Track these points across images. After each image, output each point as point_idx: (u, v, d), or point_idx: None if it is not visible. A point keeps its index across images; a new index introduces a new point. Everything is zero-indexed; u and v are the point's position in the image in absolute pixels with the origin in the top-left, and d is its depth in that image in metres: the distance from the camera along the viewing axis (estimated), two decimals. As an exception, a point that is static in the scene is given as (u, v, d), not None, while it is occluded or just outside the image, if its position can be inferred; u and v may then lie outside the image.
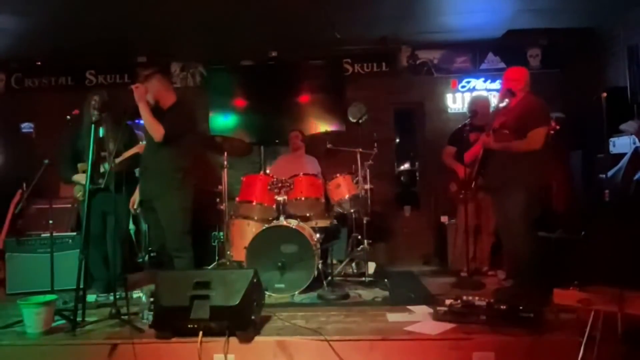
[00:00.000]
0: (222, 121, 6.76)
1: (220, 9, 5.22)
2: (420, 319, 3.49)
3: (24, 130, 6.96)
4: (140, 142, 4.26)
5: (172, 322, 3.17)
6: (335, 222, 5.25)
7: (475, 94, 6.45)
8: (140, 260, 6.07)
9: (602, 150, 4.72)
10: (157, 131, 4.02)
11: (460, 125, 5.37)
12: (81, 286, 3.52)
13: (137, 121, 5.37)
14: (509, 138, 4.06)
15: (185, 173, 4.17)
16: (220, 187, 5.30)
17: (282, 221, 4.60)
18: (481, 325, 3.21)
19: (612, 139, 4.80)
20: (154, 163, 4.17)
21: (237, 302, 3.10)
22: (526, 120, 3.98)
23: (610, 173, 4.58)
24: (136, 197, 4.41)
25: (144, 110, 4.02)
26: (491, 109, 5.21)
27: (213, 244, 5.51)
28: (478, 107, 5.17)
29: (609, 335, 2.76)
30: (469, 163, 4.57)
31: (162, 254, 4.70)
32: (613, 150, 4.78)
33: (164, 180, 4.13)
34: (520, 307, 3.20)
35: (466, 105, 6.44)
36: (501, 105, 4.21)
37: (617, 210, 4.19)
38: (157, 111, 4.16)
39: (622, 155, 4.60)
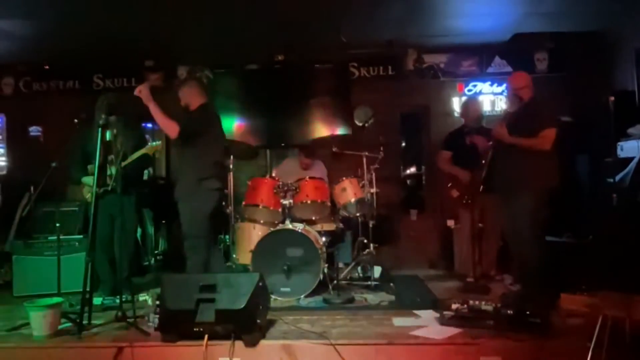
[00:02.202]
0: (228, 125, 6.77)
1: (227, 13, 5.24)
2: (426, 323, 3.48)
3: (31, 134, 6.99)
4: (149, 144, 4.27)
5: (177, 326, 3.18)
6: (341, 225, 5.23)
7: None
8: (147, 263, 6.09)
9: (609, 154, 4.69)
10: (171, 129, 4.01)
11: (453, 130, 5.36)
12: (87, 289, 3.53)
13: (144, 125, 5.39)
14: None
15: (206, 176, 4.13)
16: (226, 190, 5.30)
17: (288, 225, 4.60)
18: (488, 330, 3.19)
19: (619, 143, 4.77)
20: (179, 165, 4.20)
21: (242, 306, 3.10)
22: (536, 122, 3.97)
23: (618, 177, 4.55)
24: None
25: (154, 111, 4.02)
26: (483, 112, 5.22)
27: (219, 247, 5.52)
28: (478, 109, 5.19)
29: (617, 340, 2.75)
30: (476, 167, 4.56)
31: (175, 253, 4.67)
32: (621, 154, 4.74)
33: (184, 183, 4.13)
34: (528, 312, 3.18)
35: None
36: (509, 110, 4.22)
37: (625, 214, 4.16)
38: (185, 114, 4.21)
39: (630, 159, 4.57)
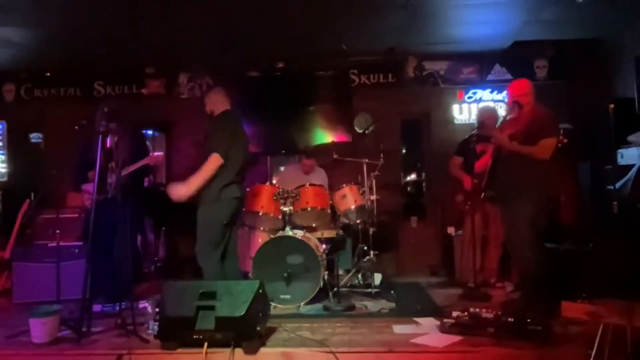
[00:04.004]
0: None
1: (227, 20, 5.26)
2: (426, 331, 3.47)
3: (33, 141, 7.02)
4: (150, 155, 4.25)
5: (177, 333, 3.17)
6: (341, 232, 5.24)
7: (482, 104, 6.46)
8: (147, 270, 6.08)
9: (610, 162, 4.69)
10: (215, 163, 3.91)
11: (467, 136, 5.37)
12: (87, 296, 3.53)
13: (144, 132, 5.38)
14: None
15: (228, 182, 4.00)
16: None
17: (288, 232, 4.59)
18: (488, 338, 3.18)
19: (620, 151, 4.78)
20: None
21: (242, 313, 3.10)
22: (536, 130, 3.96)
23: (618, 184, 4.55)
24: None
25: (196, 183, 3.90)
26: (498, 120, 5.22)
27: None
28: (485, 118, 5.18)
29: (618, 348, 2.74)
30: (478, 174, 4.56)
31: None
32: (621, 161, 4.75)
33: (206, 188, 4.04)
34: (528, 320, 3.17)
35: (473, 116, 6.47)
36: (509, 117, 4.21)
37: (626, 221, 4.15)
38: (209, 120, 4.22)
39: (631, 166, 4.57)
